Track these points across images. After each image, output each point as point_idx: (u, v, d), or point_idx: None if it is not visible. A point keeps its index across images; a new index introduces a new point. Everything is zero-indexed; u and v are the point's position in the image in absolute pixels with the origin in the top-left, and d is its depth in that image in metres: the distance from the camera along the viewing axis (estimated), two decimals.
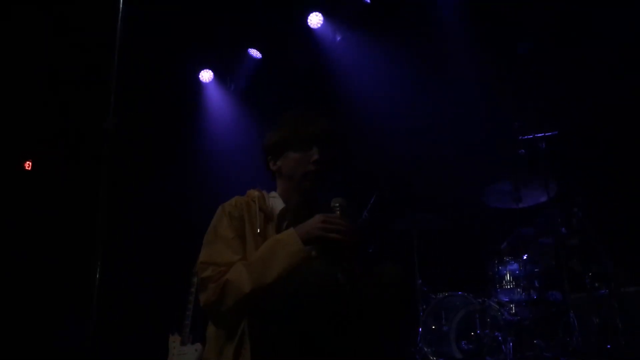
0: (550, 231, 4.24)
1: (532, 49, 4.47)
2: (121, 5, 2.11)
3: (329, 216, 2.05)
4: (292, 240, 2.00)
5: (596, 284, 4.03)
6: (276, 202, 2.26)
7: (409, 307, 2.06)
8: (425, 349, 4.25)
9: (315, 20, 5.61)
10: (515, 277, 4.29)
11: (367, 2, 5.46)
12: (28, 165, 5.56)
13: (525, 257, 4.29)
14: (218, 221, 2.16)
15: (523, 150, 4.35)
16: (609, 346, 3.79)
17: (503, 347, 4.03)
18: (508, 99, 4.82)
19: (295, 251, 1.97)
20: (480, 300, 4.28)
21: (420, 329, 4.30)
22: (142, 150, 5.54)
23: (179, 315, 4.22)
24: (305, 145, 2.24)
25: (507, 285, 4.30)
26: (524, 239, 4.41)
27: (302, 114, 2.32)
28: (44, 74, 5.33)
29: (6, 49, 5.04)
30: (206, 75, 6.15)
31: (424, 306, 4.42)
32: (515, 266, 4.30)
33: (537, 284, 4.20)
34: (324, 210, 2.11)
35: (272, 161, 2.32)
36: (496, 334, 4.12)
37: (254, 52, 6.00)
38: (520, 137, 4.34)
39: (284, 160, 2.28)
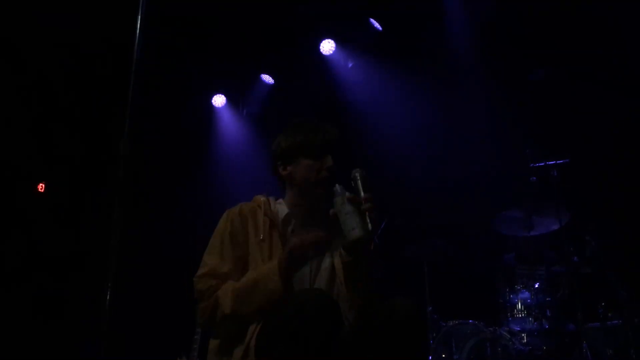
0: (562, 259, 4.20)
1: (544, 77, 4.47)
2: (137, 31, 2.14)
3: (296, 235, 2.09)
4: (272, 277, 2.00)
5: (609, 314, 3.98)
6: (281, 209, 2.27)
7: (420, 346, 2.00)
8: None
9: (327, 47, 5.68)
10: (527, 306, 4.23)
11: (379, 29, 5.52)
12: (41, 187, 5.61)
13: (537, 286, 4.24)
14: (219, 227, 2.22)
15: (534, 178, 4.33)
16: None
17: None
18: (519, 126, 4.81)
19: (273, 290, 1.98)
20: (491, 328, 4.21)
21: (430, 357, 4.24)
22: (155, 174, 5.58)
23: (187, 339, 4.20)
24: (318, 152, 2.23)
25: (519, 314, 4.24)
26: (535, 267, 4.36)
27: (314, 121, 2.32)
28: (58, 98, 5.40)
29: (21, 71, 5.12)
30: (219, 100, 6.22)
31: (434, 334, 4.37)
32: (527, 294, 4.25)
33: (549, 313, 4.14)
34: (328, 218, 2.08)
35: (282, 166, 2.29)
36: None
37: (267, 78, 6.07)
38: (531, 165, 4.32)
39: (295, 167, 2.26)
